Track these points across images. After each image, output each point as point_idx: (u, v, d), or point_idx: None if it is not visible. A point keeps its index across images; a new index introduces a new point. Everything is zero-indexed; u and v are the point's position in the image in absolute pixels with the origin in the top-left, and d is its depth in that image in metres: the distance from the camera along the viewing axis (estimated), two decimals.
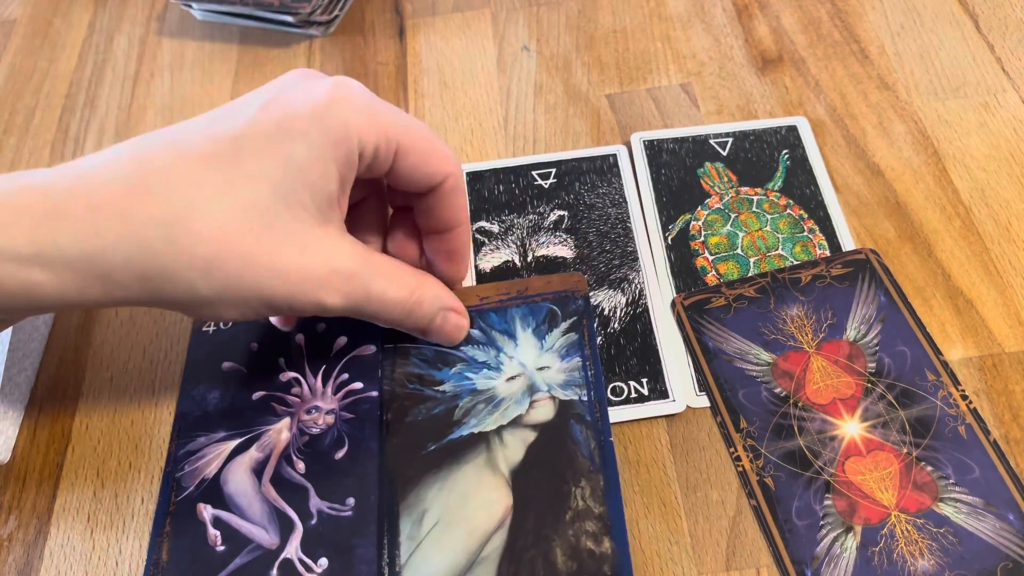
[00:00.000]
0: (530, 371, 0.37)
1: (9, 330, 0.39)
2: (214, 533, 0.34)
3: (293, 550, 0.33)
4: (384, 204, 0.38)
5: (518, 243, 0.42)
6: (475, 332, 0.38)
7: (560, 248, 0.42)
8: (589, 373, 0.37)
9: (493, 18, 0.54)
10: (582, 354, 0.37)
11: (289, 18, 0.53)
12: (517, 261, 0.42)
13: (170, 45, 0.56)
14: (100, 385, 0.40)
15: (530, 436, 0.36)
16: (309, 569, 0.33)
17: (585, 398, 0.36)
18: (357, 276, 0.32)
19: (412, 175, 0.33)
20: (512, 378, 0.37)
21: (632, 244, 0.42)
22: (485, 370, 0.37)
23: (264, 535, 0.34)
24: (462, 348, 0.38)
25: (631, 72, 0.50)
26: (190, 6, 0.55)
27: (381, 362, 0.38)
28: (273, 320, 0.39)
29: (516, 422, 0.36)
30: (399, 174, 0.33)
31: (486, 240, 0.43)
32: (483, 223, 0.43)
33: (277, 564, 0.33)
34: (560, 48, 0.52)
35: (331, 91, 0.31)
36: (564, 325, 0.38)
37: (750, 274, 0.40)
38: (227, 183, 0.29)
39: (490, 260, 0.42)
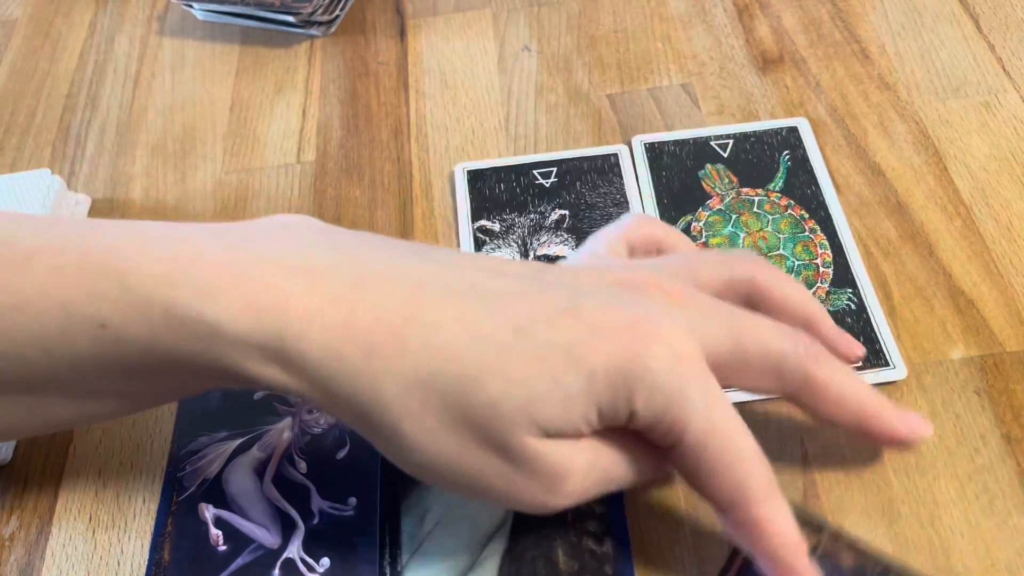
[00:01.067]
0: None
1: None
2: (216, 533, 0.34)
3: (295, 550, 0.33)
4: None
5: (519, 242, 0.42)
6: None
7: (562, 248, 0.42)
8: None
9: (494, 18, 0.54)
10: None
11: (290, 18, 0.53)
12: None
13: (171, 45, 0.56)
14: None
15: None
16: (311, 569, 0.33)
17: None
18: (597, 468, 0.28)
19: (747, 382, 0.30)
20: None
21: None
22: None
23: (266, 535, 0.34)
24: None
25: (632, 72, 0.50)
26: (191, 6, 0.55)
27: None
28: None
29: None
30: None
31: (487, 239, 0.43)
32: (484, 222, 0.43)
33: (279, 564, 0.33)
34: (561, 48, 0.52)
35: (642, 335, 0.26)
36: None
37: None
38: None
39: None
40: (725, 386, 0.28)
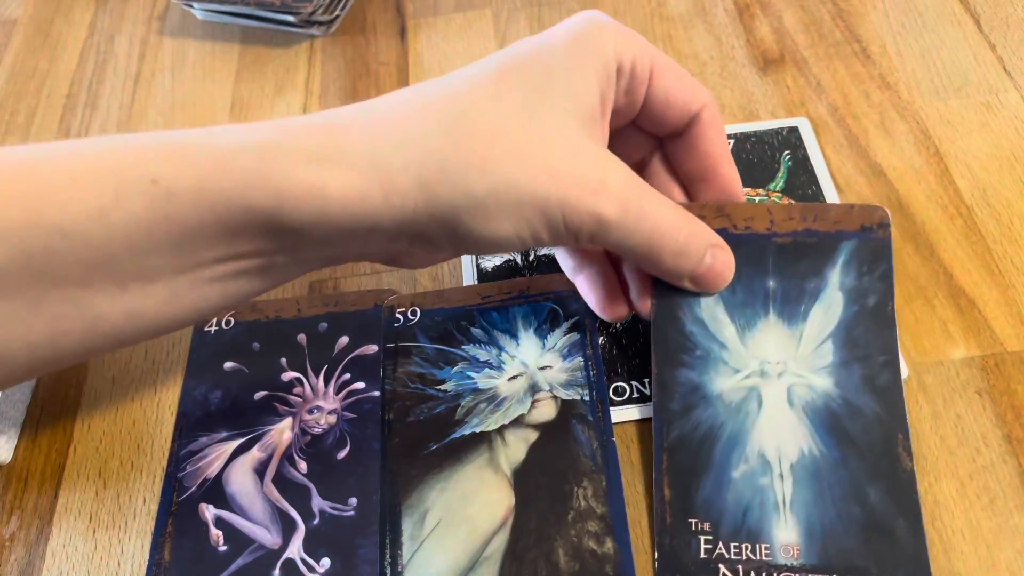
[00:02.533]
0: (532, 370, 0.37)
1: None
2: (216, 533, 0.34)
3: (295, 550, 0.33)
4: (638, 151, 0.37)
5: None
6: (476, 331, 0.38)
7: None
8: (591, 373, 0.37)
9: (494, 18, 0.54)
10: (584, 354, 0.37)
11: (290, 18, 0.53)
12: (519, 260, 0.42)
13: (171, 45, 0.56)
14: (102, 385, 0.40)
15: (532, 436, 0.36)
16: (312, 569, 0.33)
17: (587, 398, 0.36)
18: (633, 189, 0.31)
19: (669, 101, 0.33)
20: (514, 377, 0.37)
21: None
22: (487, 369, 0.37)
23: (266, 535, 0.34)
24: (464, 347, 0.38)
25: None
26: (191, 6, 0.55)
27: (383, 361, 0.38)
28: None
29: (518, 422, 0.36)
30: (655, 101, 0.33)
31: None
32: None
33: (279, 564, 0.33)
34: None
35: (581, 17, 0.32)
36: (566, 325, 0.38)
37: None
38: (496, 92, 0.30)
39: (492, 259, 0.42)
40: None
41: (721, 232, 0.36)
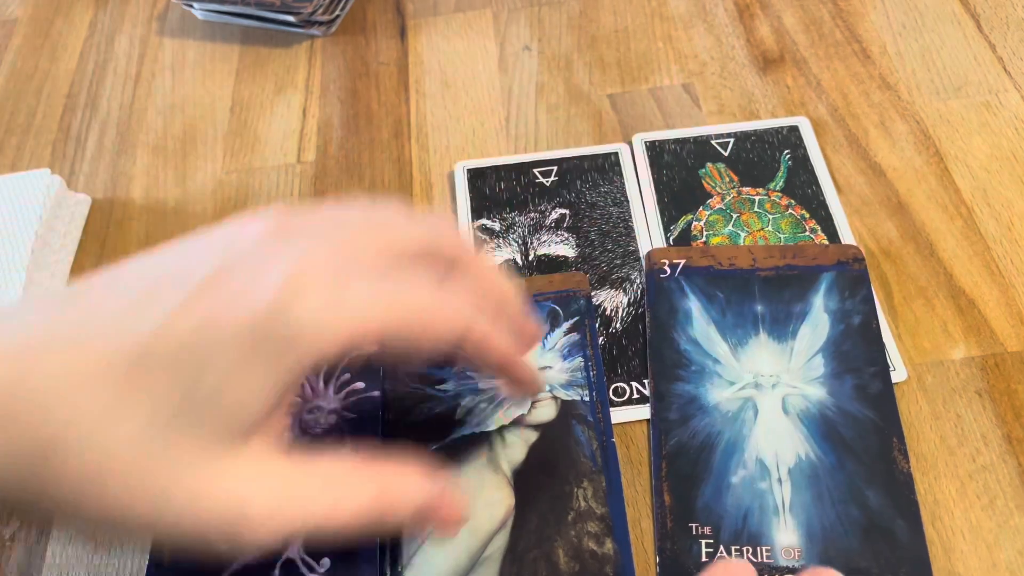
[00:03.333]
0: None
1: None
2: None
3: (295, 550, 0.33)
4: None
5: (519, 241, 0.42)
6: None
7: (561, 247, 0.42)
8: (591, 374, 0.37)
9: (494, 18, 0.54)
10: (584, 354, 0.37)
11: (291, 18, 0.53)
12: (519, 260, 0.42)
13: (171, 45, 0.56)
14: None
15: (532, 436, 0.36)
16: (312, 569, 0.33)
17: (587, 398, 0.36)
18: (289, 502, 0.25)
19: (411, 354, 0.27)
20: None
21: (634, 243, 0.42)
22: None
23: None
24: None
25: (633, 72, 0.50)
26: (191, 6, 0.55)
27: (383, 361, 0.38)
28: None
29: (518, 422, 0.36)
30: (394, 354, 0.30)
31: (487, 238, 0.42)
32: (485, 221, 0.43)
33: (279, 564, 0.33)
34: (562, 48, 0.52)
35: (281, 287, 0.24)
36: (566, 325, 0.38)
37: None
38: (118, 403, 0.24)
39: (492, 258, 0.42)
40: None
41: (706, 269, 0.38)
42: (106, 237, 0.46)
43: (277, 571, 0.33)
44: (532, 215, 0.43)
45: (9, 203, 0.44)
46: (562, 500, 0.34)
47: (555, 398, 0.36)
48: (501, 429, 0.36)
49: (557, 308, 0.39)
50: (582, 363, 0.37)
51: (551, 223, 0.43)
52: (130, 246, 0.46)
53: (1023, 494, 0.33)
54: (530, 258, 0.42)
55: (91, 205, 0.47)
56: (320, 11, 0.53)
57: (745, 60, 0.49)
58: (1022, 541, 0.32)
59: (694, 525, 0.33)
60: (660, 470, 0.34)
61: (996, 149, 0.43)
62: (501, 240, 0.42)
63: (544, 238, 0.42)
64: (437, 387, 0.37)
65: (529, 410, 0.36)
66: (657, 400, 0.36)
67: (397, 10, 0.55)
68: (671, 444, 0.34)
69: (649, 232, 0.42)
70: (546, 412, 0.36)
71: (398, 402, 0.37)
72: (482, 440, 0.36)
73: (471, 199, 0.44)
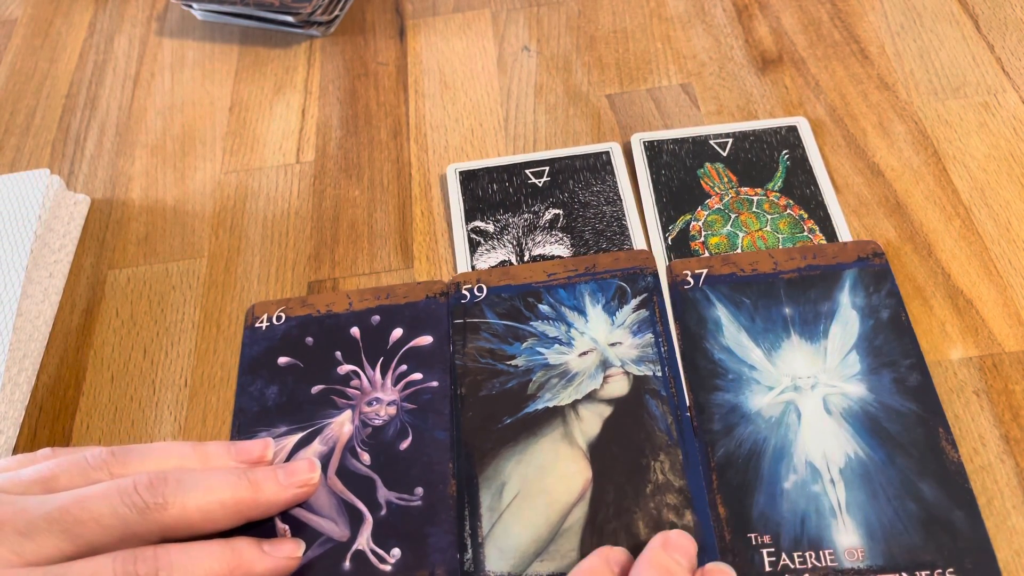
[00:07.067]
0: (602, 347, 0.38)
1: (10, 330, 0.39)
2: (283, 527, 0.34)
3: (364, 541, 0.34)
4: None
5: (514, 242, 0.42)
6: (544, 308, 0.39)
7: (557, 247, 0.42)
8: (662, 349, 0.37)
9: (493, 18, 0.54)
10: (654, 330, 0.38)
11: (290, 18, 0.53)
12: (514, 261, 0.42)
13: (171, 45, 0.56)
14: (100, 385, 0.40)
15: (606, 410, 0.36)
16: (382, 560, 0.33)
17: (659, 373, 0.37)
18: None
19: None
20: (584, 353, 0.37)
21: (628, 242, 0.42)
22: (557, 345, 0.38)
23: (334, 527, 0.34)
24: (532, 323, 0.38)
25: (631, 72, 0.50)
26: (191, 6, 0.55)
27: (452, 337, 0.38)
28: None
29: (591, 397, 0.36)
30: None
31: (482, 240, 0.43)
32: (478, 223, 0.43)
33: (349, 556, 0.33)
34: (560, 48, 0.52)
35: None
36: (634, 302, 0.39)
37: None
38: None
39: (487, 260, 0.42)
40: None
41: (729, 276, 0.38)
42: (105, 237, 0.46)
43: (348, 562, 0.33)
44: (526, 216, 0.43)
45: (8, 203, 0.44)
46: (640, 473, 0.34)
47: (627, 373, 0.37)
48: (574, 403, 0.36)
49: (624, 285, 0.39)
50: (653, 339, 0.38)
51: (545, 224, 0.43)
52: (129, 246, 0.46)
53: (1020, 494, 0.33)
54: (525, 259, 0.42)
55: (90, 205, 0.47)
56: (319, 11, 0.53)
57: (743, 60, 0.49)
58: (1020, 541, 0.32)
59: (753, 535, 0.33)
60: (711, 483, 0.34)
61: (994, 149, 0.43)
62: (496, 242, 0.42)
63: (539, 239, 0.42)
64: (507, 362, 0.37)
65: (601, 385, 0.36)
66: (699, 412, 0.36)
67: (396, 10, 0.55)
68: (719, 455, 0.34)
69: (648, 233, 0.42)
70: (618, 387, 0.36)
71: (469, 376, 0.37)
72: (556, 414, 0.36)
73: (464, 201, 0.44)
